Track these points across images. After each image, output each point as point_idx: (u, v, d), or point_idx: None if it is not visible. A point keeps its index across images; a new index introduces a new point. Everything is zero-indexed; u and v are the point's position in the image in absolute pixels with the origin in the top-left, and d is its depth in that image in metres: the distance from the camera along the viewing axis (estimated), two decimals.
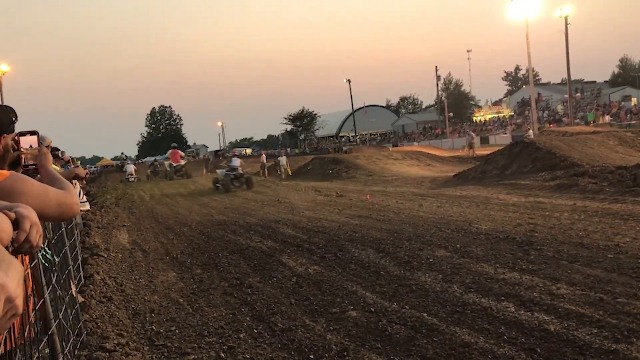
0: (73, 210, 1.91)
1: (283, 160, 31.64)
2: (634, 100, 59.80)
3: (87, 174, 5.15)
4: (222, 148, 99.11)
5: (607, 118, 52.16)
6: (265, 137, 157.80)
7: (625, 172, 12.59)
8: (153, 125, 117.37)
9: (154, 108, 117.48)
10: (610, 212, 9.61)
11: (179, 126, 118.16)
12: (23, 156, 2.15)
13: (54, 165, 2.37)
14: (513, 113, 73.37)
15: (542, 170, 15.40)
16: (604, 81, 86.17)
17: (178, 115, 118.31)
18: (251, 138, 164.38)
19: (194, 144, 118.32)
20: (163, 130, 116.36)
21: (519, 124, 63.02)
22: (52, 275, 3.12)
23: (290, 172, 30.55)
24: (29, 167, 2.18)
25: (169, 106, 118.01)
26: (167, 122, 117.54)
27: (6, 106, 2.10)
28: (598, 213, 9.59)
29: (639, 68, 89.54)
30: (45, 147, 2.36)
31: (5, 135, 2.03)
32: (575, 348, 3.93)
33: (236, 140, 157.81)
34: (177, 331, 5.04)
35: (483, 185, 15.73)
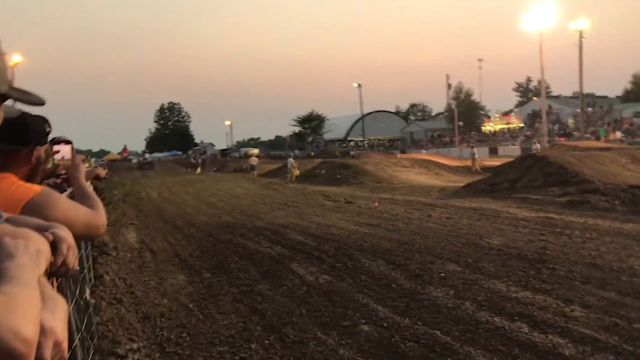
0: (99, 231, 1.89)
1: (291, 161, 30.94)
2: None
3: (107, 174, 5.13)
4: (229, 147, 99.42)
5: (618, 134, 51.95)
6: (273, 137, 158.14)
7: (638, 191, 12.50)
8: (162, 122, 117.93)
9: (163, 104, 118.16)
10: (622, 232, 9.52)
11: (187, 123, 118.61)
12: (57, 166, 2.12)
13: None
14: (523, 124, 73.18)
15: (553, 185, 15.30)
16: (616, 96, 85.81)
17: (187, 113, 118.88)
18: (259, 138, 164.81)
19: (202, 142, 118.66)
20: (171, 127, 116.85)
21: (529, 136, 62.84)
22: (70, 282, 3.10)
23: (296, 175, 30.18)
24: (61, 177, 2.15)
25: (178, 103, 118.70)
26: (176, 119, 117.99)
27: (40, 117, 2.06)
28: (610, 232, 9.50)
29: None
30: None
31: (38, 147, 2.00)
32: None
33: (243, 139, 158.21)
34: (187, 338, 5.01)
35: (493, 198, 15.64)
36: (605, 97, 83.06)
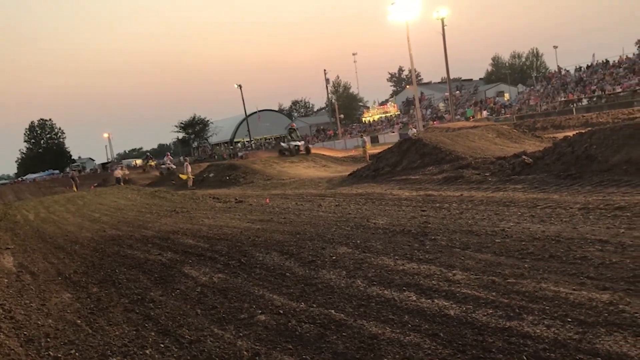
0: None
1: (189, 167, 30.75)
2: (506, 96, 64.63)
3: None
4: (109, 160, 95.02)
5: (485, 113, 55.91)
6: (155, 146, 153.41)
7: (505, 162, 13.58)
8: (33, 141, 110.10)
9: (32, 122, 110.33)
10: (494, 200, 10.31)
11: (61, 140, 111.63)
12: None
13: None
14: (399, 112, 76.55)
15: (429, 164, 16.20)
16: (480, 79, 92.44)
17: (60, 129, 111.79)
18: (141, 148, 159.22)
19: (79, 157, 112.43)
20: (44, 145, 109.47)
21: (405, 123, 65.87)
22: None
23: (185, 178, 29.65)
24: None
25: (50, 119, 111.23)
26: (49, 136, 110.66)
27: None
28: (483, 202, 10.25)
29: (508, 66, 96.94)
30: None
31: None
32: (474, 329, 4.18)
33: (125, 151, 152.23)
34: (77, 354, 4.75)
35: (377, 182, 16.27)
36: (470, 79, 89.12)
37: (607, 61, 54.67)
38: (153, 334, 5.07)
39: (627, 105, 40.12)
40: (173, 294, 6.43)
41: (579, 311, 4.24)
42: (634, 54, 57.54)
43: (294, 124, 40.54)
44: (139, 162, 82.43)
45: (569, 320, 4.10)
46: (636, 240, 6.05)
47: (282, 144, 33.83)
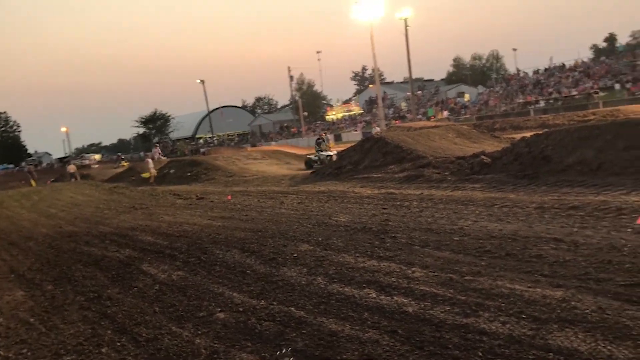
0: None
1: (150, 163, 30.11)
2: (466, 96, 65.71)
3: None
4: (67, 155, 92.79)
5: (445, 113, 56.76)
6: (115, 141, 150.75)
7: (464, 161, 13.80)
8: None
9: None
10: (453, 198, 10.48)
11: (16, 133, 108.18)
12: None
13: None
14: (362, 111, 77.03)
15: (391, 163, 16.32)
16: (441, 79, 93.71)
17: (15, 122, 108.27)
18: (100, 143, 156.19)
19: (36, 152, 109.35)
20: None
21: (368, 121, 66.32)
22: None
23: (147, 176, 29.14)
24: None
25: (4, 112, 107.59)
26: (3, 129, 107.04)
27: None
28: (443, 200, 10.41)
29: (469, 67, 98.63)
30: None
31: None
32: (432, 326, 4.24)
33: (83, 146, 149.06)
34: (29, 353, 4.62)
35: (339, 180, 16.32)
36: (432, 80, 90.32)
37: (564, 65, 56.26)
38: (109, 332, 4.97)
39: (582, 107, 41.24)
40: (130, 292, 6.32)
41: (533, 308, 4.35)
42: (588, 59, 59.43)
43: (323, 133, 37.23)
44: (97, 157, 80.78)
45: (524, 316, 4.19)
46: (588, 239, 6.24)
47: (310, 156, 28.87)
